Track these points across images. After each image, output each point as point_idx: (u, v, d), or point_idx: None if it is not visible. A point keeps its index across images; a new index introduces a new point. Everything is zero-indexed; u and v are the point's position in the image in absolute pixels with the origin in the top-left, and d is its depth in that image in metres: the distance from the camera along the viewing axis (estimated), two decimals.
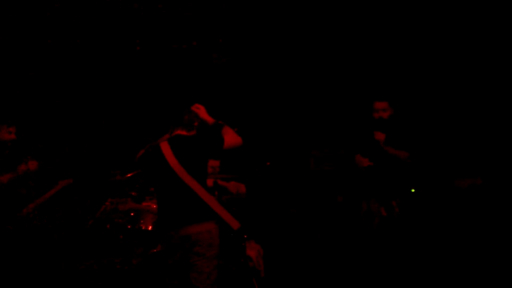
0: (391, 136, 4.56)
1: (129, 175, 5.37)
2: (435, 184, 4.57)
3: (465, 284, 4.50)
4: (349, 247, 5.33)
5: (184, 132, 3.68)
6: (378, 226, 4.56)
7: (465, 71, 5.80)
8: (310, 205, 6.16)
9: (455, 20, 5.60)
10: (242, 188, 5.24)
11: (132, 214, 4.98)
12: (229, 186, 5.13)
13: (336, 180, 6.14)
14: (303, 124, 6.61)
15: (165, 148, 3.56)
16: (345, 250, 5.39)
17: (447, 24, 5.67)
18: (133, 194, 5.38)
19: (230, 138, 3.63)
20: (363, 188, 4.75)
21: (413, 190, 5.16)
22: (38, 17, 5.85)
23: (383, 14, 5.81)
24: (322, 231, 5.94)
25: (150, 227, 5.06)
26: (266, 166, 5.64)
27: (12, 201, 4.65)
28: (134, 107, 6.62)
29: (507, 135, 5.33)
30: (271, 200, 6.14)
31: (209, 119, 3.75)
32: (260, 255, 4.88)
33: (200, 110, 3.78)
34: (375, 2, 5.72)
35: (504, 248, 4.74)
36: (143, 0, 5.80)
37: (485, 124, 5.53)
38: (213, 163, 5.13)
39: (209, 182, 4.11)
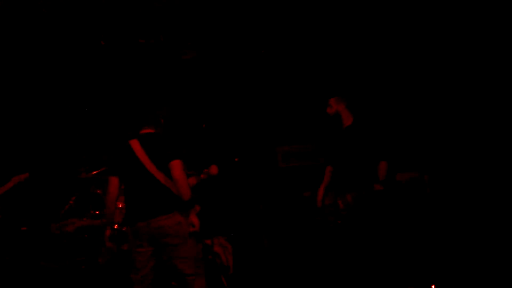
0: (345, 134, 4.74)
1: (94, 173, 5.30)
2: (385, 179, 4.73)
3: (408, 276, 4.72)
4: (317, 241, 5.37)
5: (151, 130, 3.92)
6: (335, 218, 4.72)
7: (403, 68, 6.01)
8: (278, 201, 6.20)
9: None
10: (214, 167, 5.21)
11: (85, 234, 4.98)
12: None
13: (304, 175, 6.20)
14: (271, 121, 6.63)
15: (135, 145, 3.81)
16: (313, 245, 5.44)
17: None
18: (98, 192, 5.31)
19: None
20: (326, 183, 4.84)
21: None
22: None
23: (357, 15, 5.90)
24: (290, 227, 5.98)
25: (116, 225, 5.00)
26: (234, 162, 5.64)
27: None
28: (99, 103, 6.50)
29: (445, 132, 5.57)
30: (240, 197, 6.14)
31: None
32: (229, 252, 4.88)
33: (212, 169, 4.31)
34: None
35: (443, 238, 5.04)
36: None
37: (424, 123, 5.77)
38: None
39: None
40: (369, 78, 6.20)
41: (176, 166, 3.73)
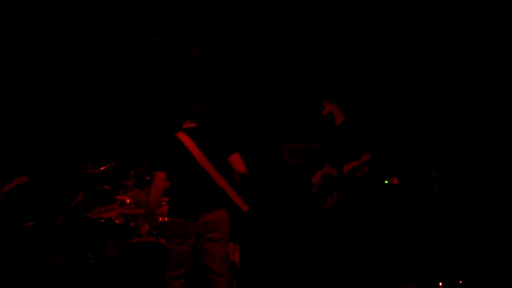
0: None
1: (102, 169, 5.32)
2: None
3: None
4: (324, 239, 5.38)
5: (193, 125, 3.85)
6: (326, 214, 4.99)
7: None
8: (285, 197, 6.20)
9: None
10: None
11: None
12: None
13: (311, 172, 6.19)
14: (278, 118, 6.63)
15: (184, 138, 3.73)
16: (320, 242, 5.44)
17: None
18: (106, 187, 5.32)
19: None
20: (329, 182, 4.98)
21: (386, 182, 5.34)
22: None
23: (357, 15, 5.92)
24: (296, 223, 5.98)
25: (123, 221, 5.01)
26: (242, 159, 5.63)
27: None
28: (106, 99, 6.52)
29: (452, 129, 5.65)
30: (247, 193, 6.14)
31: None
32: (236, 247, 4.88)
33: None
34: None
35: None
36: None
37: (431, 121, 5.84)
38: None
39: None
40: (373, 76, 6.20)
41: (236, 160, 3.75)
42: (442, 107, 5.74)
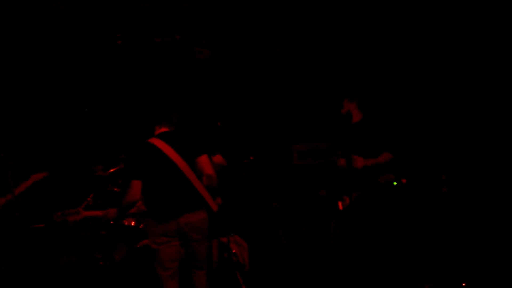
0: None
1: (111, 171, 5.33)
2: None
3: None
4: (332, 242, 5.37)
5: (167, 129, 3.95)
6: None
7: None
8: (293, 199, 6.19)
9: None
10: (218, 157, 5.25)
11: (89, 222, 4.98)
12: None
13: (319, 174, 6.18)
14: (287, 118, 6.63)
15: (159, 143, 3.82)
16: (329, 244, 5.42)
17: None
18: (115, 189, 5.34)
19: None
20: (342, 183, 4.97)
21: (395, 183, 5.31)
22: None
23: (367, 14, 5.91)
24: (305, 225, 5.97)
25: (133, 222, 5.03)
26: (250, 161, 5.64)
27: None
28: (115, 101, 6.55)
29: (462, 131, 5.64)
30: (255, 194, 6.14)
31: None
32: (245, 249, 4.88)
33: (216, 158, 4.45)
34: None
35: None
36: None
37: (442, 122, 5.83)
38: None
39: None
40: (384, 77, 6.19)
41: (205, 161, 3.88)
42: (453, 108, 5.72)
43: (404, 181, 5.26)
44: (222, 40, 6.38)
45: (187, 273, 3.99)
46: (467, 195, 5.38)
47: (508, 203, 5.09)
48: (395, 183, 5.26)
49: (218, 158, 5.18)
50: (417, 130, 5.93)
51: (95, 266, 4.88)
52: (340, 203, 4.92)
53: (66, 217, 4.04)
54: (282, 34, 6.38)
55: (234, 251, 4.83)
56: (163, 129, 3.94)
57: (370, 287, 4.74)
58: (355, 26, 6.12)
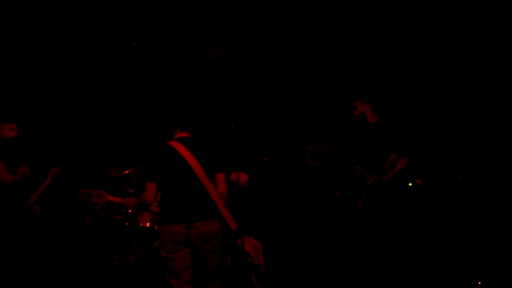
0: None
1: (126, 172, 5.36)
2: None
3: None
4: (346, 242, 5.36)
5: (186, 135, 3.88)
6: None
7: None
8: (307, 200, 6.17)
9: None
10: (243, 176, 5.23)
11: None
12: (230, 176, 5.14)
13: (334, 174, 6.15)
14: (301, 119, 6.61)
15: (179, 147, 3.74)
16: (343, 245, 5.41)
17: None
18: (130, 191, 5.37)
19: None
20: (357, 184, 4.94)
21: (410, 184, 5.29)
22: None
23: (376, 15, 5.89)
24: (320, 226, 5.95)
25: (148, 224, 5.05)
26: (264, 161, 5.64)
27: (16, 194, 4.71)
28: (131, 103, 6.59)
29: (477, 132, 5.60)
30: (270, 195, 6.14)
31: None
32: (259, 250, 4.87)
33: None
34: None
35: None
36: None
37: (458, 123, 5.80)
38: None
39: None
40: (400, 78, 6.16)
41: (222, 179, 3.80)
42: (468, 109, 5.68)
43: (419, 182, 5.23)
44: (235, 41, 6.38)
45: (200, 286, 3.86)
46: (484, 196, 5.32)
47: None
48: (410, 184, 5.23)
49: (243, 178, 5.16)
50: (432, 130, 5.89)
51: (111, 267, 4.91)
52: (360, 200, 4.87)
53: (90, 196, 4.00)
54: (296, 34, 6.37)
55: (248, 252, 4.82)
56: (184, 134, 3.88)
57: (385, 287, 4.72)
58: (371, 27, 6.09)
